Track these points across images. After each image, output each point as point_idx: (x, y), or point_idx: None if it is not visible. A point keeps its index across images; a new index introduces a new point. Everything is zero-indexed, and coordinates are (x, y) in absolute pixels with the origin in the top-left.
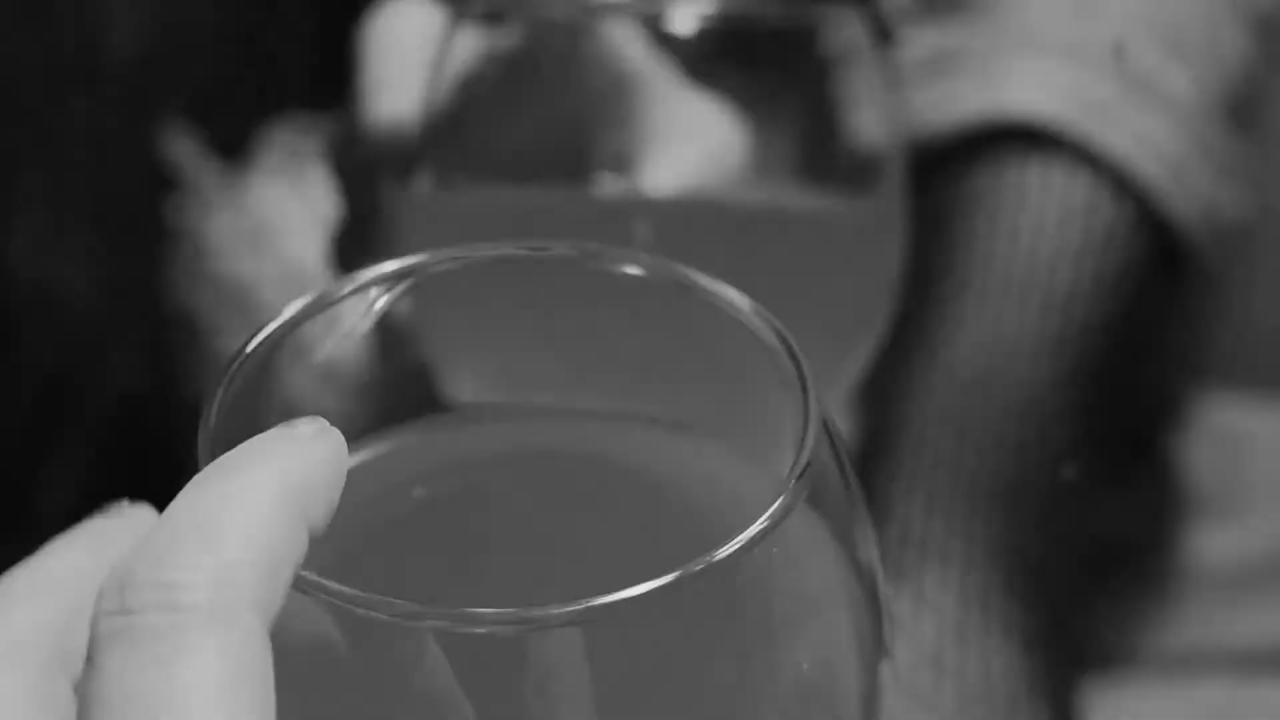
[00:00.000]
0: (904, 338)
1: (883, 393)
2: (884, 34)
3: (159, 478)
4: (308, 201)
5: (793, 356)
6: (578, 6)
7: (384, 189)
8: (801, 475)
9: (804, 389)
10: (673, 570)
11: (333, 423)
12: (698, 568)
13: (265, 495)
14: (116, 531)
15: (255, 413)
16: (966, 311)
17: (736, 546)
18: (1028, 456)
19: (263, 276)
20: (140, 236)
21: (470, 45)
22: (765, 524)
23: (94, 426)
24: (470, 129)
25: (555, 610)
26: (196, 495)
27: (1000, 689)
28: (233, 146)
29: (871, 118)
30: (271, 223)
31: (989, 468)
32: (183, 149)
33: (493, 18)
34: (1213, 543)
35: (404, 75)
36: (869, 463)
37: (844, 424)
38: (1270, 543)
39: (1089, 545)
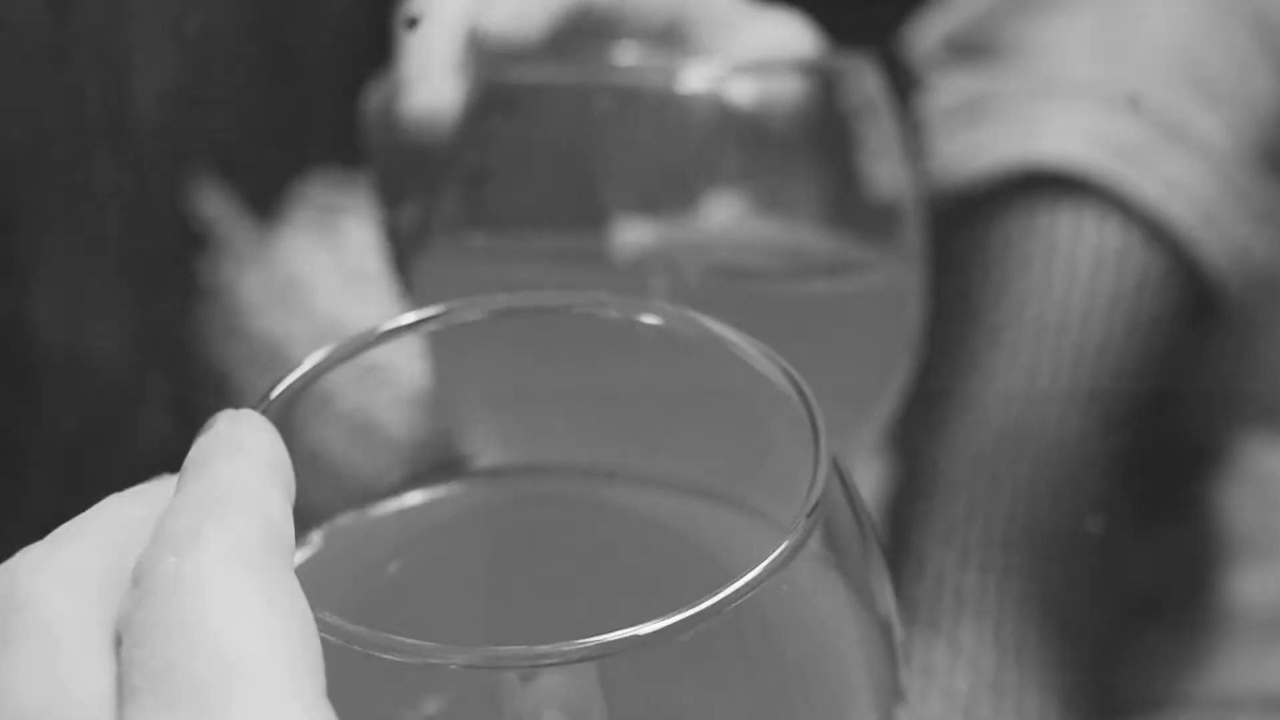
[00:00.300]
0: (936, 384)
1: (914, 439)
2: (913, 81)
3: None
4: (339, 257)
5: (804, 399)
6: (589, 67)
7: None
8: (811, 514)
9: (814, 431)
10: (681, 609)
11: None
12: (708, 603)
13: (258, 472)
14: (164, 491)
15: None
16: (998, 361)
17: (745, 582)
18: (1060, 506)
19: (294, 333)
20: (169, 294)
21: (486, 95)
22: (774, 562)
23: (123, 476)
24: (485, 180)
25: (567, 646)
26: (199, 478)
27: None
28: (263, 202)
29: (891, 167)
30: (302, 279)
31: (1022, 518)
32: (212, 205)
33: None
34: (1248, 586)
35: (441, 64)
36: (901, 509)
37: (874, 470)
38: None
39: (1124, 592)
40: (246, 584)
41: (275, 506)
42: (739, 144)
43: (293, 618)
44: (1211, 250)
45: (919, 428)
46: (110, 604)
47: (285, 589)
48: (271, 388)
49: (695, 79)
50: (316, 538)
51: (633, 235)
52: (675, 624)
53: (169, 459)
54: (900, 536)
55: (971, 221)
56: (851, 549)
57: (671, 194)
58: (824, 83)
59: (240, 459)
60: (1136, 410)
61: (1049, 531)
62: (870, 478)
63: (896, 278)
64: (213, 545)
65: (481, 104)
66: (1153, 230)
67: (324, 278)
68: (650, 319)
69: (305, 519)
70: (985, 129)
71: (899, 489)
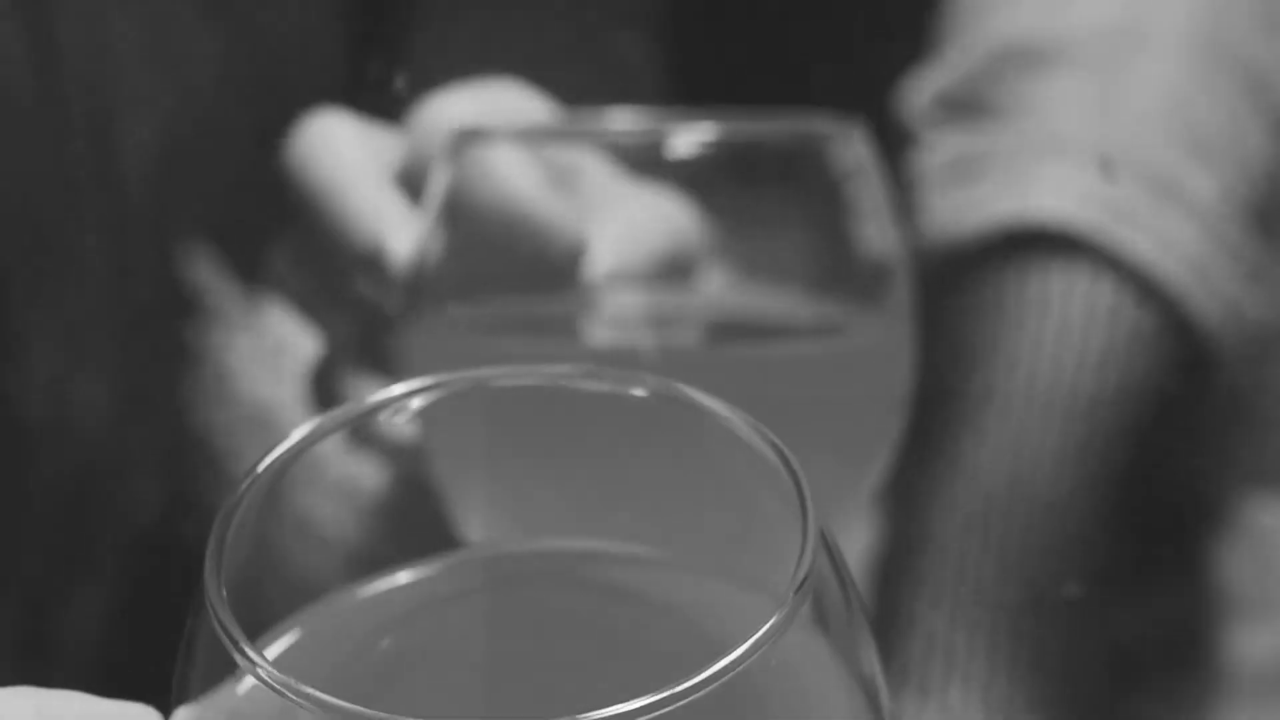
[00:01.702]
0: (928, 444)
1: (906, 499)
2: (906, 139)
3: (180, 600)
4: None
5: (791, 472)
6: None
7: (362, 313)
8: (799, 589)
9: (802, 505)
10: (672, 683)
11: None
12: (699, 677)
13: None
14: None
15: (266, 533)
16: (989, 422)
17: (734, 658)
18: (1051, 567)
19: (282, 398)
20: (158, 358)
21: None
22: (763, 636)
23: (113, 550)
24: (453, 257)
25: None
26: None
27: None
28: (251, 267)
29: (881, 230)
30: (291, 344)
31: (1013, 579)
32: (202, 269)
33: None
34: (1247, 643)
35: (369, 196)
36: (891, 569)
37: (865, 531)
38: None
39: (1117, 653)
40: None
41: None
42: (727, 208)
43: None
44: (1204, 308)
45: (911, 484)
46: None
47: None
48: (260, 460)
49: (684, 143)
50: (307, 613)
51: (621, 301)
52: (665, 698)
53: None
54: (890, 596)
55: (964, 279)
56: (839, 620)
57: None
58: (813, 147)
59: None
60: (1129, 469)
61: (1039, 593)
62: (862, 537)
63: (887, 339)
64: None
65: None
66: (1145, 288)
67: (311, 342)
68: (638, 391)
69: (295, 593)
70: (978, 187)
71: (890, 548)
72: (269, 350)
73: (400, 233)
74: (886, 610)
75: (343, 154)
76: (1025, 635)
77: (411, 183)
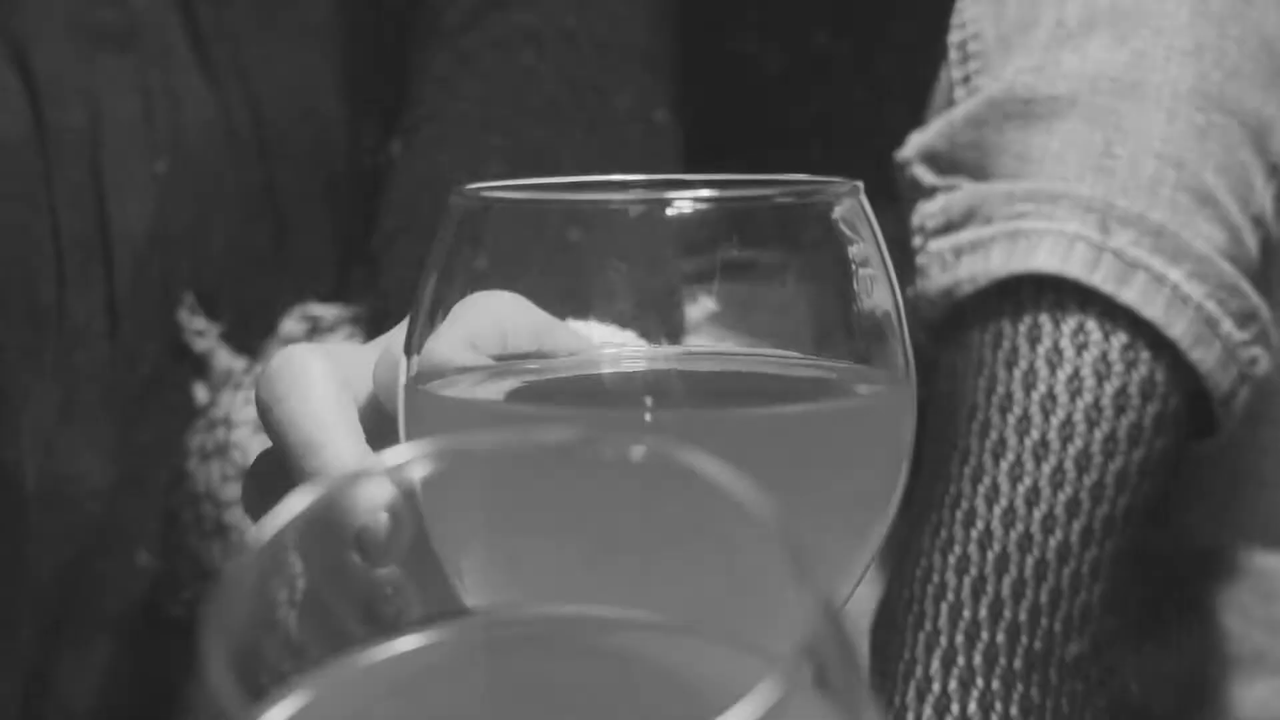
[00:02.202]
0: (936, 495)
1: (913, 549)
2: (904, 193)
3: (179, 660)
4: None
5: (790, 537)
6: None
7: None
8: (800, 654)
9: (801, 571)
10: None
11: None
12: None
13: None
14: None
15: (265, 600)
16: (1001, 481)
17: None
18: (1056, 622)
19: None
20: (154, 418)
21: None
22: (765, 700)
23: (111, 612)
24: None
25: None
26: None
27: None
28: (250, 323)
29: (878, 289)
30: None
31: (1016, 635)
32: (197, 326)
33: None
34: (1255, 692)
35: (343, 454)
36: (890, 609)
37: (868, 587)
38: None
39: (1128, 701)
40: None
41: None
42: (727, 268)
43: None
44: (1205, 356)
45: (919, 532)
46: None
47: None
48: (260, 526)
49: (684, 205)
50: (306, 684)
51: (621, 364)
52: None
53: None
54: (889, 638)
55: (968, 333)
56: (840, 685)
57: (658, 319)
58: (813, 206)
59: None
60: (1129, 518)
61: (1042, 649)
62: (865, 593)
63: (889, 397)
64: None
65: (459, 236)
66: (1144, 336)
67: None
68: (636, 456)
69: (293, 661)
70: (979, 241)
71: (890, 589)
72: None
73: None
74: (880, 656)
75: (314, 401)
76: (1028, 687)
77: (382, 411)
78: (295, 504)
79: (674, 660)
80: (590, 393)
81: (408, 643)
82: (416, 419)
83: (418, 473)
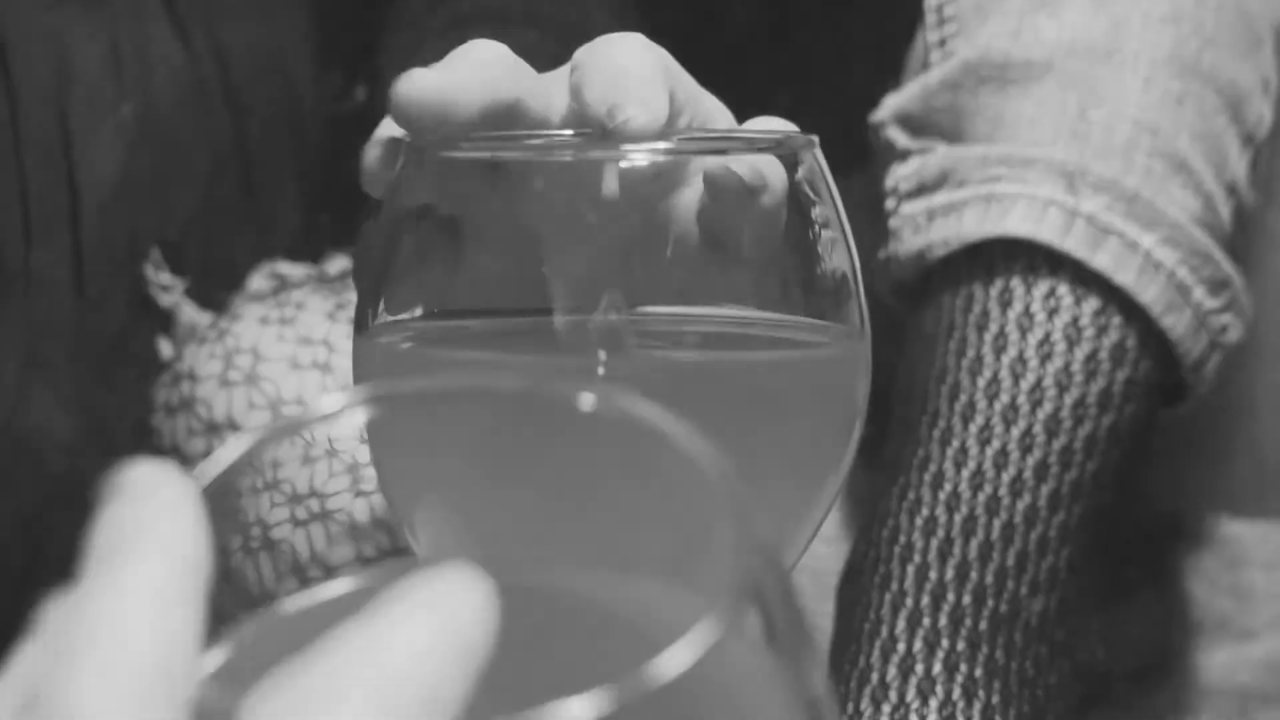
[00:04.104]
0: (905, 457)
1: (879, 512)
2: (875, 154)
3: None
4: (293, 330)
5: (732, 487)
6: (528, 143)
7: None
8: (738, 599)
9: (739, 515)
10: (614, 687)
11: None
12: (629, 687)
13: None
14: None
15: (220, 539)
16: (970, 445)
17: (676, 661)
18: (1021, 584)
19: (243, 405)
20: (120, 372)
21: (420, 180)
22: (701, 642)
23: (72, 570)
24: (425, 266)
25: None
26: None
27: None
28: (216, 276)
29: (835, 244)
30: (255, 352)
31: (981, 596)
32: (164, 280)
33: (442, 150)
34: (1218, 658)
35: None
36: (856, 570)
37: (827, 545)
38: (1275, 656)
39: (1092, 664)
40: None
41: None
42: (686, 222)
43: None
44: (1175, 323)
45: (887, 494)
46: None
47: None
48: (207, 467)
49: (642, 155)
50: (257, 620)
51: (578, 313)
52: (607, 702)
53: None
54: (852, 603)
55: (939, 296)
56: (784, 637)
57: (617, 271)
58: (770, 159)
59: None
60: (1100, 486)
61: (1008, 610)
62: (821, 550)
63: (845, 352)
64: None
65: (425, 181)
66: (1116, 302)
67: (274, 348)
68: (585, 404)
69: (249, 598)
70: (951, 204)
71: (857, 549)
72: (231, 359)
73: None
74: (846, 615)
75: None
76: (986, 650)
77: None
78: (236, 446)
79: (617, 605)
80: (542, 341)
81: (348, 584)
82: (366, 363)
83: (364, 418)
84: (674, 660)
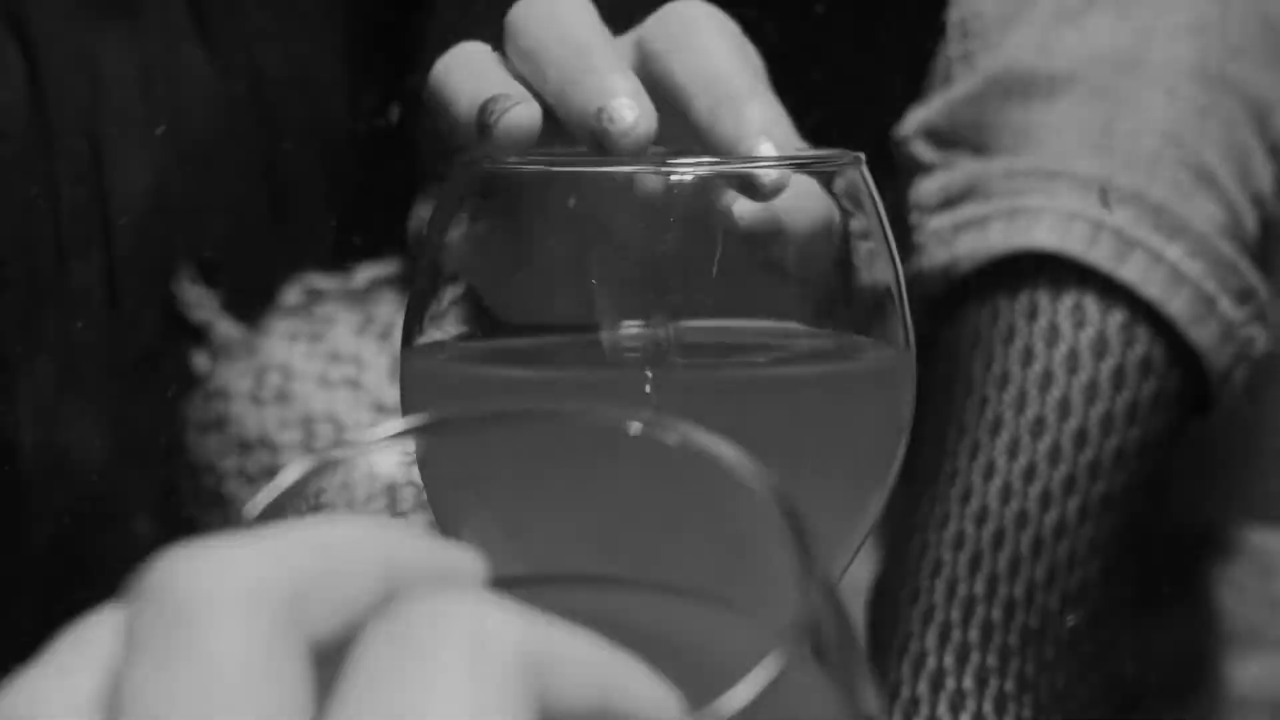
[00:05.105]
0: (932, 471)
1: (907, 525)
2: (905, 169)
3: None
4: (323, 346)
5: (788, 512)
6: (576, 158)
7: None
8: (799, 630)
9: (800, 545)
10: None
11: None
12: (701, 715)
13: None
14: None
15: None
16: (998, 458)
17: (737, 694)
18: (1051, 596)
19: (275, 422)
20: (152, 388)
21: (470, 193)
22: (759, 680)
23: (110, 583)
24: (473, 280)
25: None
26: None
27: None
28: (249, 292)
29: (880, 259)
30: (286, 369)
31: (1002, 603)
32: (197, 296)
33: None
34: (1250, 669)
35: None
36: (887, 585)
37: (866, 559)
38: None
39: (1120, 679)
40: None
41: None
42: (727, 237)
43: None
44: (1202, 334)
45: (916, 509)
46: None
47: None
48: (255, 499)
49: (686, 172)
50: None
51: (624, 331)
52: None
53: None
54: (886, 613)
55: (966, 309)
56: (841, 664)
57: (662, 289)
58: (813, 177)
59: None
60: (1126, 496)
61: (1038, 623)
62: (863, 565)
63: (889, 366)
64: None
65: (472, 195)
66: (1142, 314)
67: (307, 368)
68: (634, 428)
69: None
70: (979, 216)
71: (887, 564)
72: (262, 375)
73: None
74: (876, 630)
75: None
76: (1024, 661)
77: None
78: (289, 476)
79: (672, 628)
80: (590, 356)
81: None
82: (412, 379)
83: (415, 446)
84: (739, 696)
